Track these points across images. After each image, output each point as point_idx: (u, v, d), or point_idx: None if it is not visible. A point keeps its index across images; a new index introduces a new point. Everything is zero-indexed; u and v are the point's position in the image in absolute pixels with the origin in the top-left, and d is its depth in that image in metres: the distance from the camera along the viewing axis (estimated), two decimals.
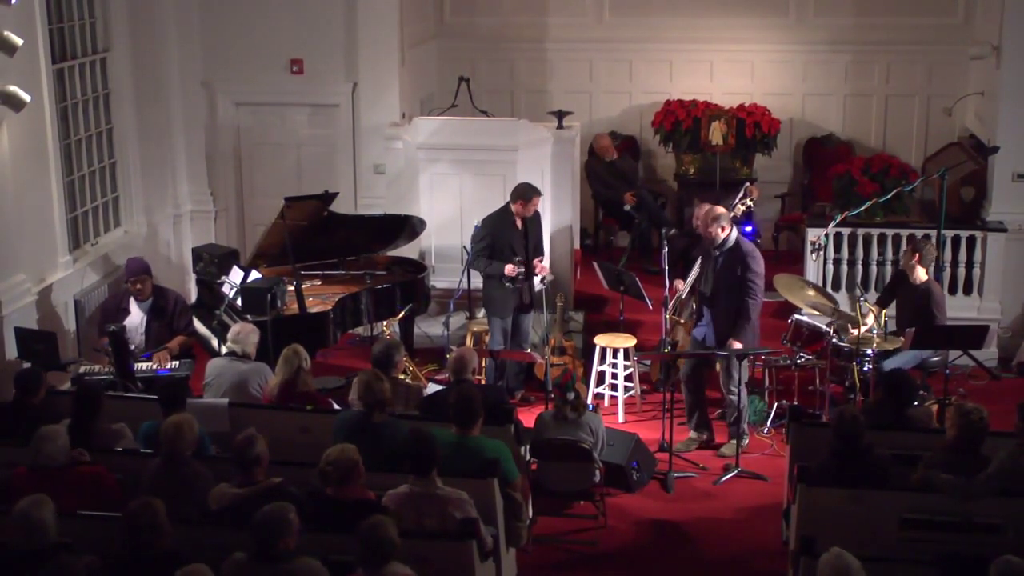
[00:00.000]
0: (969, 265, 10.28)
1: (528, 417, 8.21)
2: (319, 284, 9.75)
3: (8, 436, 6.72)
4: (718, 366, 8.81)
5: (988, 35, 11.04)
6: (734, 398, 8.54)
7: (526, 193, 9.22)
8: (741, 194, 9.81)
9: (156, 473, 6.10)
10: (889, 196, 9.86)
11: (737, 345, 8.33)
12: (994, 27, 10.74)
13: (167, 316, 8.86)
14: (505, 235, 9.25)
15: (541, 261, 9.42)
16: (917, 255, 8.80)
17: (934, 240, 9.59)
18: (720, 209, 8.42)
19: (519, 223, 9.29)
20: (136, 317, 8.80)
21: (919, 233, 10.00)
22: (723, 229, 8.36)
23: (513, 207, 9.24)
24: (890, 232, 10.35)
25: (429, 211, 10.42)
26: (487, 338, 9.67)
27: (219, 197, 11.50)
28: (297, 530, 5.20)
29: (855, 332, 8.68)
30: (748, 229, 10.61)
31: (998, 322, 10.25)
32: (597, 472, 7.50)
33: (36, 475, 5.98)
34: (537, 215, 9.50)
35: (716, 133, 11.90)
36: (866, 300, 8.89)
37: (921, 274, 8.83)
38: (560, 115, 10.78)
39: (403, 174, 10.78)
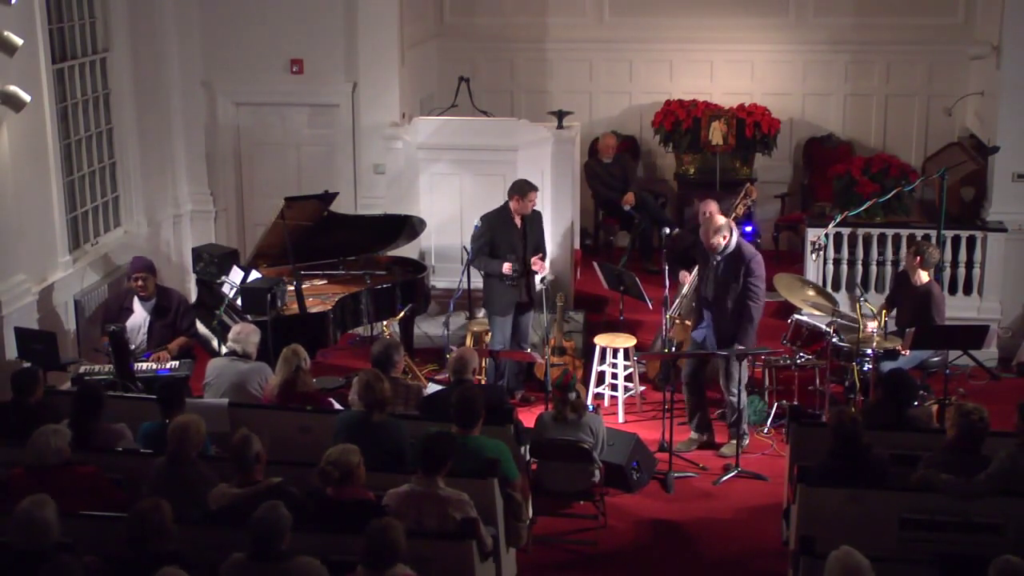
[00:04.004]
0: (969, 265, 10.28)
1: (528, 417, 8.21)
2: (319, 284, 9.76)
3: (6, 436, 6.72)
4: (719, 367, 8.80)
5: (988, 35, 11.05)
6: (734, 399, 8.53)
7: (521, 188, 9.22)
8: (742, 194, 9.82)
9: (159, 473, 6.10)
10: (889, 196, 9.87)
11: (741, 348, 8.33)
12: (994, 27, 10.74)
13: (170, 316, 8.85)
14: (503, 233, 9.26)
15: (542, 259, 9.41)
16: (919, 258, 8.79)
17: (934, 240, 9.59)
18: (720, 219, 8.40)
19: (518, 221, 9.29)
20: (139, 317, 8.80)
21: (919, 233, 10.00)
22: (725, 238, 8.36)
23: (510, 204, 9.25)
24: (890, 232, 10.34)
25: (429, 211, 10.42)
26: (487, 338, 9.67)
27: (219, 197, 11.50)
28: (289, 527, 5.21)
29: (869, 328, 8.66)
30: (748, 229, 10.62)
31: (998, 322, 10.24)
32: (597, 472, 7.50)
33: (34, 475, 5.98)
34: (538, 214, 9.49)
35: (716, 133, 11.90)
36: (866, 300, 8.89)
37: (923, 276, 8.82)
38: (560, 115, 10.78)
39: (403, 174, 10.78)
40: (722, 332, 8.45)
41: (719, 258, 8.39)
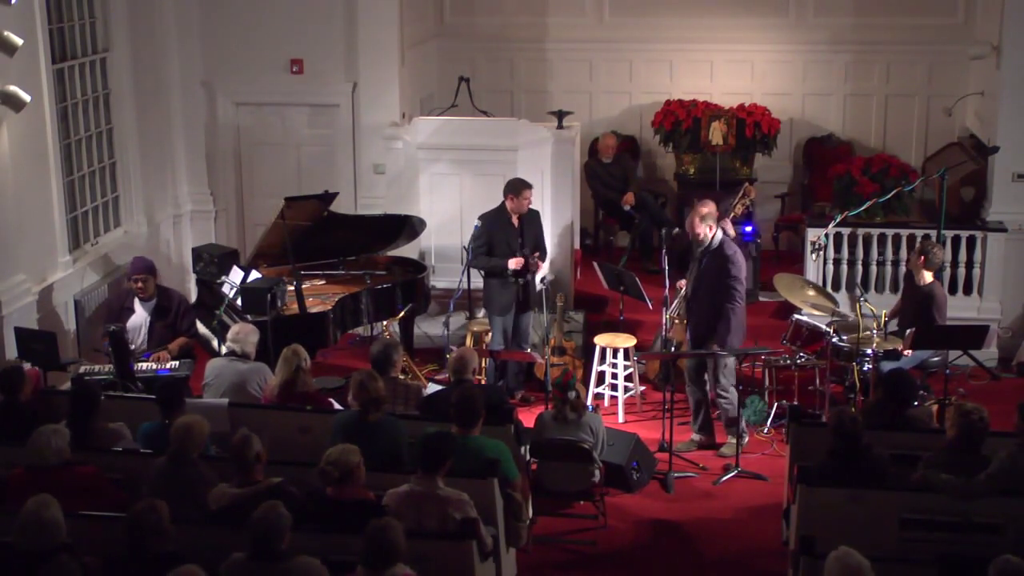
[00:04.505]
0: (969, 265, 10.28)
1: (528, 417, 8.21)
2: (319, 284, 9.76)
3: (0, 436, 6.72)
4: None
5: (988, 35, 11.05)
6: (723, 401, 8.55)
7: (515, 187, 9.22)
8: (740, 194, 9.83)
9: (160, 472, 6.10)
10: (889, 196, 9.88)
11: (737, 348, 8.34)
12: (994, 27, 10.74)
13: (171, 316, 8.85)
14: (501, 232, 9.25)
15: (541, 258, 9.39)
16: (923, 258, 8.80)
17: (934, 240, 9.60)
18: (706, 209, 8.39)
19: (515, 220, 9.28)
20: (140, 317, 8.79)
21: (919, 233, 9.99)
22: (710, 228, 8.36)
23: (506, 203, 9.25)
24: (890, 232, 10.34)
25: (429, 211, 10.42)
26: (487, 338, 9.67)
27: (219, 197, 11.50)
28: (289, 527, 5.22)
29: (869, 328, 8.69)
30: (748, 229, 10.62)
31: (998, 322, 10.24)
32: (597, 472, 7.50)
33: (34, 475, 5.98)
34: (535, 213, 9.48)
35: (716, 133, 11.90)
36: (866, 300, 8.89)
37: (926, 276, 8.83)
38: (560, 115, 10.78)
39: (403, 174, 10.78)
40: (698, 329, 8.46)
41: (702, 254, 8.39)
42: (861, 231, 10.34)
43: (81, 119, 9.82)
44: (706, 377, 8.73)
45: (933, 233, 9.78)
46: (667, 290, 8.94)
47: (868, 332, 8.70)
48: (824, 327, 8.91)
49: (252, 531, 5.17)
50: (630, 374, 9.48)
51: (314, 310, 9.06)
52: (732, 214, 9.50)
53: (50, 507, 5.26)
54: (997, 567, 4.93)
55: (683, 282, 9.21)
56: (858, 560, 4.95)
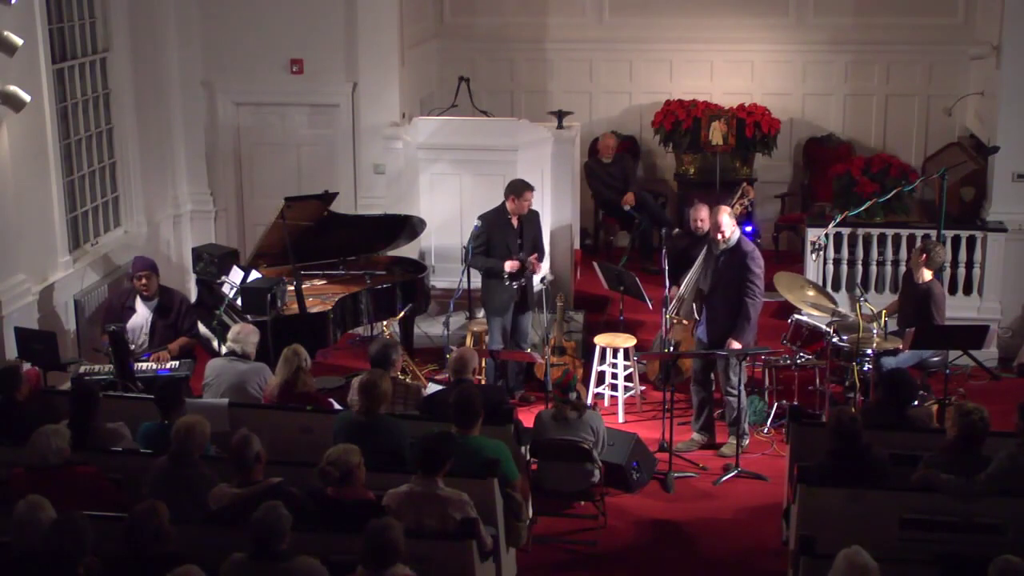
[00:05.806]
0: (969, 265, 10.28)
1: (528, 417, 8.20)
2: (319, 284, 9.76)
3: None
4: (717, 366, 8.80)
5: (988, 35, 11.05)
6: (732, 399, 8.54)
7: (517, 188, 9.22)
8: (739, 194, 9.83)
9: (161, 472, 6.10)
10: (889, 196, 9.87)
11: (736, 345, 8.33)
12: (994, 27, 10.74)
13: (172, 316, 8.86)
14: (500, 233, 9.26)
15: (538, 260, 9.39)
16: (925, 256, 8.80)
17: (935, 240, 9.60)
18: (727, 209, 8.44)
19: (514, 221, 9.28)
20: (142, 316, 8.79)
21: (919, 233, 9.99)
22: (732, 228, 8.38)
23: (507, 204, 9.25)
24: (890, 232, 10.35)
25: (429, 211, 10.42)
26: (487, 338, 9.67)
27: (219, 197, 11.50)
28: (289, 527, 5.22)
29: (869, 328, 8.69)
30: (748, 229, 10.62)
31: (998, 322, 10.24)
32: (597, 472, 7.50)
33: (34, 475, 5.98)
34: (535, 214, 9.49)
35: (716, 133, 11.90)
36: (866, 300, 8.89)
37: (926, 274, 8.83)
38: (560, 115, 10.79)
39: (403, 174, 10.78)
40: (716, 328, 8.45)
41: (720, 252, 8.40)
42: (861, 231, 10.35)
43: (81, 119, 9.82)
44: (712, 376, 8.73)
45: (933, 233, 9.78)
46: (667, 290, 8.95)
47: (868, 332, 8.69)
48: (824, 327, 8.91)
49: (252, 531, 5.17)
50: (630, 374, 9.48)
51: (314, 310, 9.06)
52: None
53: (43, 509, 5.25)
54: (997, 567, 4.93)
55: (675, 289, 9.20)
56: (865, 560, 4.95)
